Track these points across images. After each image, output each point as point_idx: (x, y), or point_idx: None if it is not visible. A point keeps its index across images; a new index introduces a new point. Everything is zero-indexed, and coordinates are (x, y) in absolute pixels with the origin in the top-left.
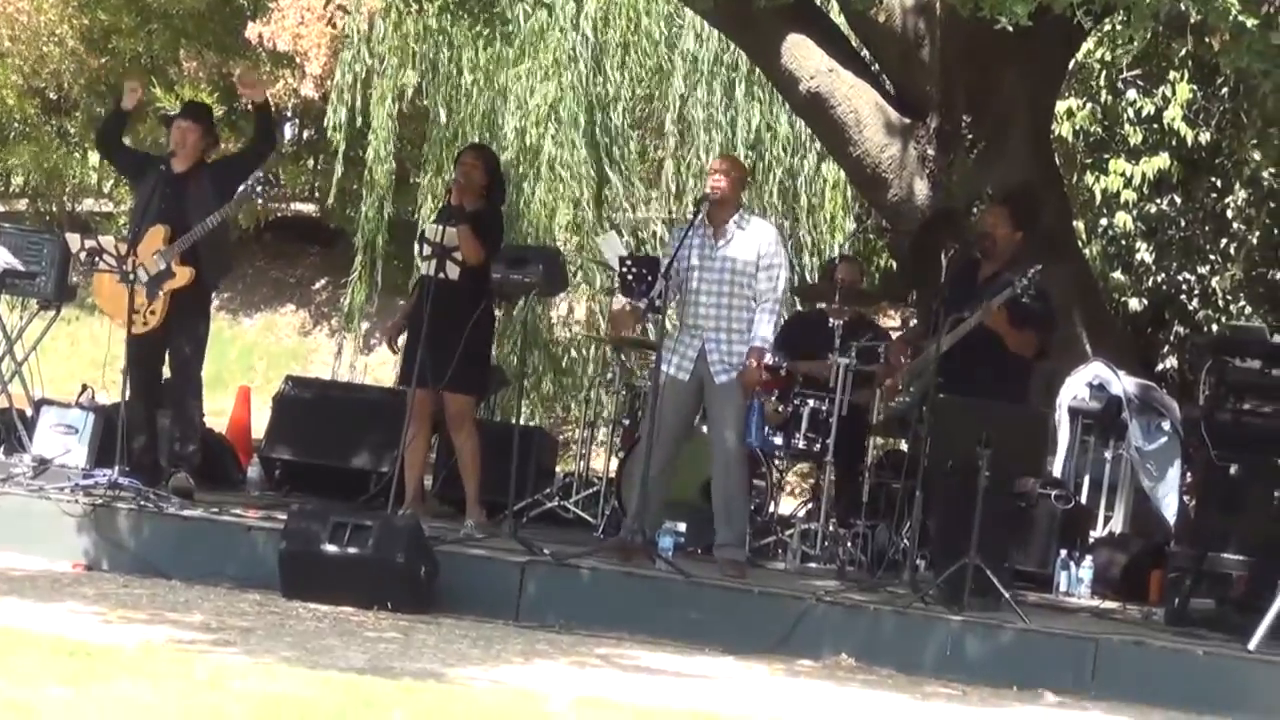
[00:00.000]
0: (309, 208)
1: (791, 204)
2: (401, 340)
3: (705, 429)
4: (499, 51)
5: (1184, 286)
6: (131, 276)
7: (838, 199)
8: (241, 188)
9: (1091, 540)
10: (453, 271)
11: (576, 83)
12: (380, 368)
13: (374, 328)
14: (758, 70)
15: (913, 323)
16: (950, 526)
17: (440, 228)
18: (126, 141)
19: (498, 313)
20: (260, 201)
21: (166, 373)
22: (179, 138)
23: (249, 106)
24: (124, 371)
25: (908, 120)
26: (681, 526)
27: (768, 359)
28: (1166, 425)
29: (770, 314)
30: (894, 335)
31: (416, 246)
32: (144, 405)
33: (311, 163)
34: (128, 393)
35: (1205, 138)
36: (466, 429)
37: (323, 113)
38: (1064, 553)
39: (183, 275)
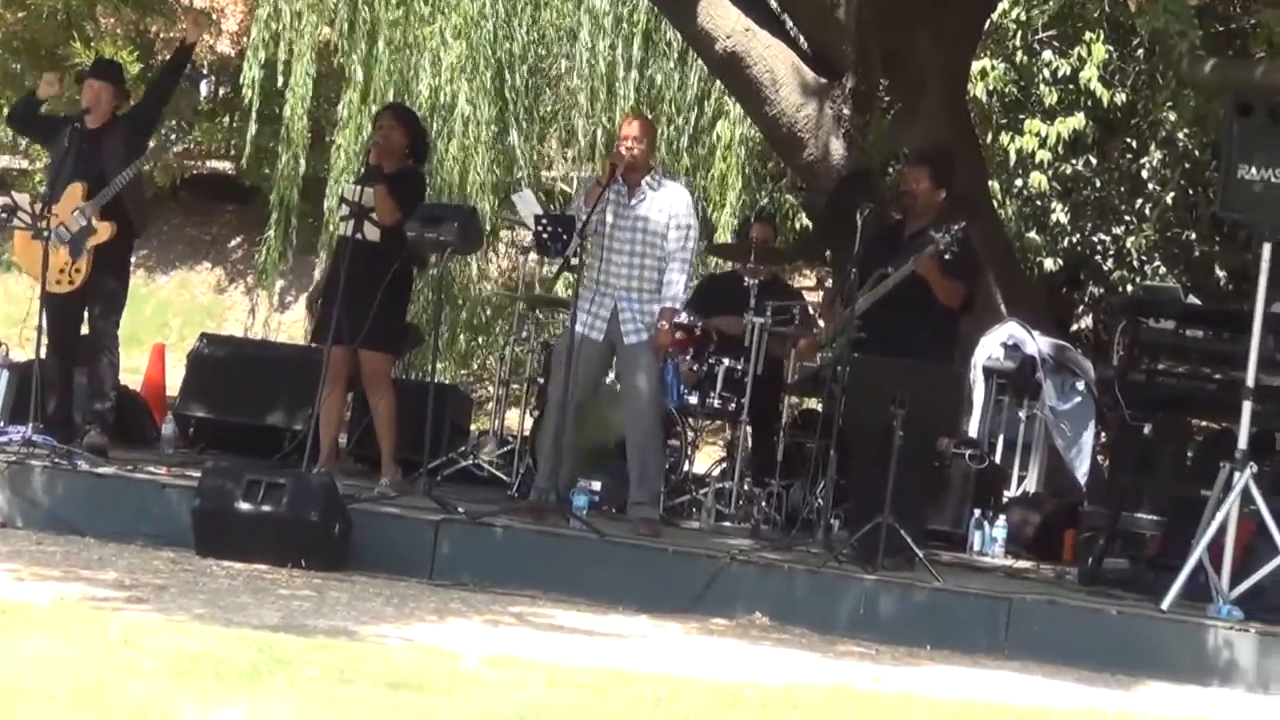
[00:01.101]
0: (224, 165)
1: (686, 162)
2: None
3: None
4: (411, 8)
5: (1099, 247)
6: (47, 234)
7: (731, 159)
8: (153, 143)
9: (1005, 500)
10: (371, 232)
11: (487, 41)
12: (294, 325)
13: (289, 286)
14: (664, 27)
15: (828, 282)
16: (865, 486)
17: (359, 188)
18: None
19: (414, 272)
20: (172, 152)
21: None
22: (91, 96)
23: (181, 42)
24: (39, 329)
25: (824, 80)
26: (596, 485)
27: (682, 318)
28: (1081, 385)
29: (680, 274)
30: (807, 295)
31: (335, 206)
32: (60, 363)
33: (227, 120)
34: (44, 350)
35: (1121, 98)
36: (382, 388)
37: (239, 70)
38: (978, 512)
39: (104, 230)
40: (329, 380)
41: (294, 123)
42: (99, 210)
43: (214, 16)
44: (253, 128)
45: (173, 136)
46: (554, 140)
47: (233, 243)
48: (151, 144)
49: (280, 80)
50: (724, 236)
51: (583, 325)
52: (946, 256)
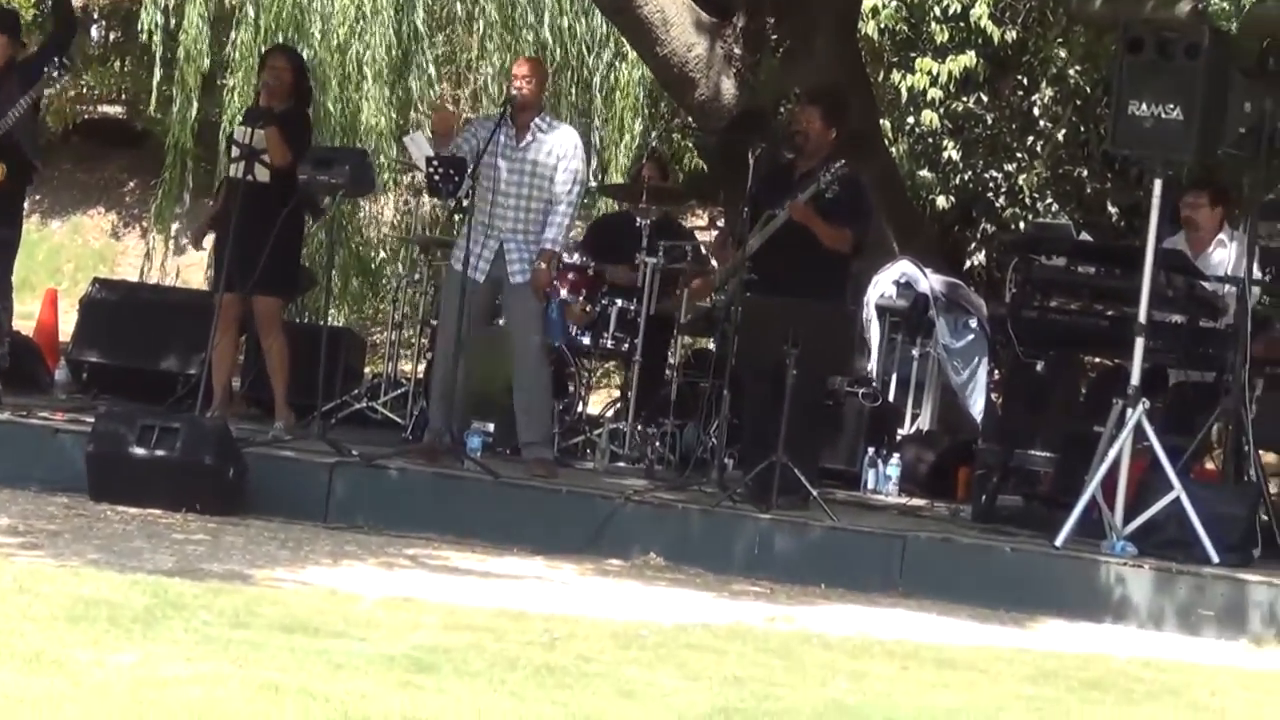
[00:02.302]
0: (116, 110)
1: (586, 104)
2: (209, 241)
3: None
4: None
5: (991, 184)
6: None
7: (628, 100)
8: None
9: (899, 438)
10: (261, 174)
11: None
12: (190, 269)
13: (184, 229)
14: None
15: (720, 222)
16: (758, 425)
17: (248, 130)
18: None
19: (305, 216)
20: (57, 87)
21: None
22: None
23: None
24: None
25: (714, 20)
26: (490, 426)
27: (574, 259)
28: (973, 323)
29: (563, 216)
30: (699, 236)
31: (224, 148)
32: None
33: (119, 65)
34: None
35: (1011, 36)
36: (274, 331)
37: (129, 14)
38: (871, 451)
39: None
40: (221, 324)
41: (187, 65)
42: None
43: None
44: (158, 73)
45: (55, 72)
46: (449, 84)
47: (126, 188)
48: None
49: (173, 23)
50: (619, 177)
51: (468, 267)
52: (828, 195)
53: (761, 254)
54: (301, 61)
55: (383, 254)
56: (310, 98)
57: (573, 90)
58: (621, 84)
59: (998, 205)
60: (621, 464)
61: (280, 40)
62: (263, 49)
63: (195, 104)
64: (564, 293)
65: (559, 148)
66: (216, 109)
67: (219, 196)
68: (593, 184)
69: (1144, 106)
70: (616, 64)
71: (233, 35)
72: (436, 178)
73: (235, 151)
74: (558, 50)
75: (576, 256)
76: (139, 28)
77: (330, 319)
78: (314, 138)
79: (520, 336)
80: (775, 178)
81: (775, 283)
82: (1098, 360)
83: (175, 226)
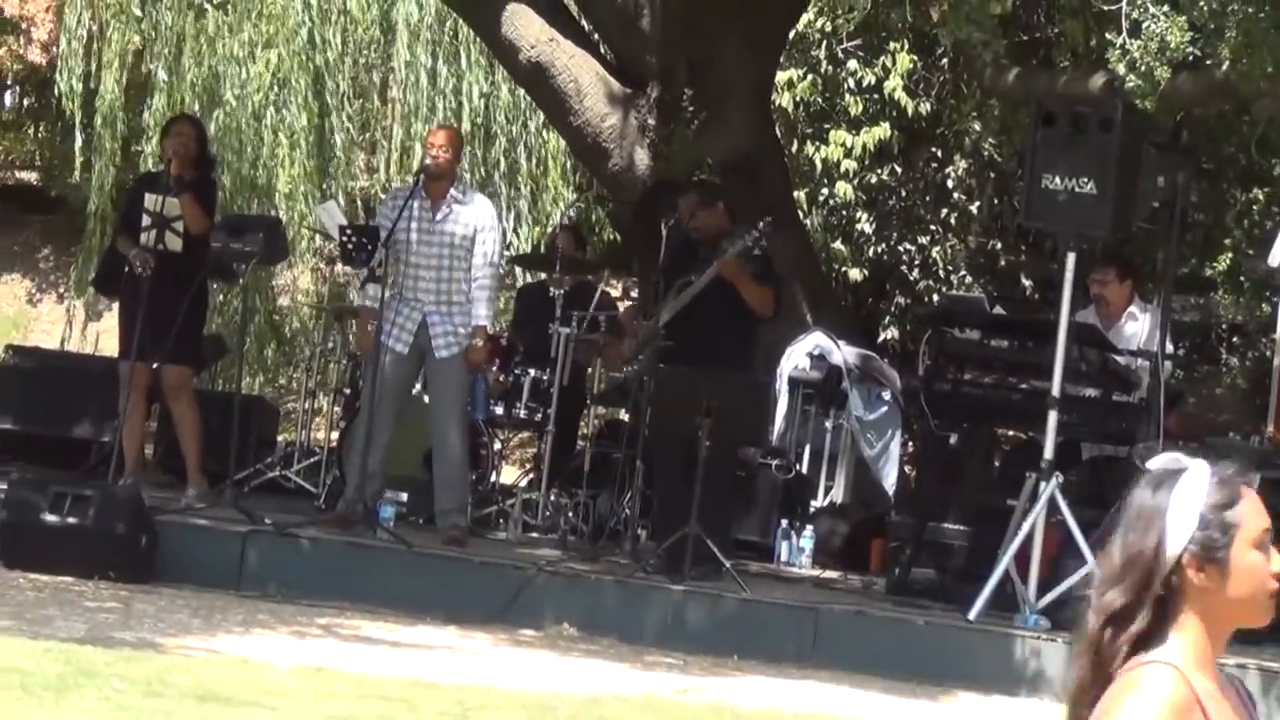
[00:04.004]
0: (30, 176)
1: (513, 174)
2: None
3: (426, 399)
4: (217, 18)
5: (905, 257)
6: None
7: (557, 169)
8: None
9: (812, 510)
10: (173, 242)
11: (299, 49)
12: (109, 334)
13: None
14: (479, 37)
15: (634, 292)
16: (671, 496)
17: (158, 198)
18: None
19: (214, 285)
20: None
21: None
22: None
23: None
24: None
25: (628, 90)
26: (403, 496)
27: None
28: (887, 395)
29: (487, 289)
30: (618, 304)
31: (119, 214)
32: None
33: (33, 131)
34: None
35: (926, 108)
36: (184, 399)
37: (46, 80)
38: (785, 522)
39: None
40: (131, 392)
41: (104, 132)
42: None
43: (24, 25)
44: (79, 138)
45: None
46: (366, 151)
47: (41, 254)
48: None
49: (90, 88)
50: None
51: (389, 338)
52: (756, 251)
53: (675, 323)
54: (204, 129)
55: (296, 322)
56: (214, 164)
57: (501, 159)
58: (550, 152)
59: (911, 278)
60: (535, 534)
61: (196, 107)
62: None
63: (113, 170)
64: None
65: (476, 219)
66: (133, 175)
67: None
68: (507, 253)
69: (1057, 180)
70: (544, 133)
71: (149, 101)
72: (350, 246)
73: (146, 220)
74: (487, 118)
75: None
76: (54, 93)
77: (244, 387)
78: (230, 205)
79: (442, 408)
80: (684, 249)
81: (689, 352)
82: (1011, 433)
83: (91, 292)
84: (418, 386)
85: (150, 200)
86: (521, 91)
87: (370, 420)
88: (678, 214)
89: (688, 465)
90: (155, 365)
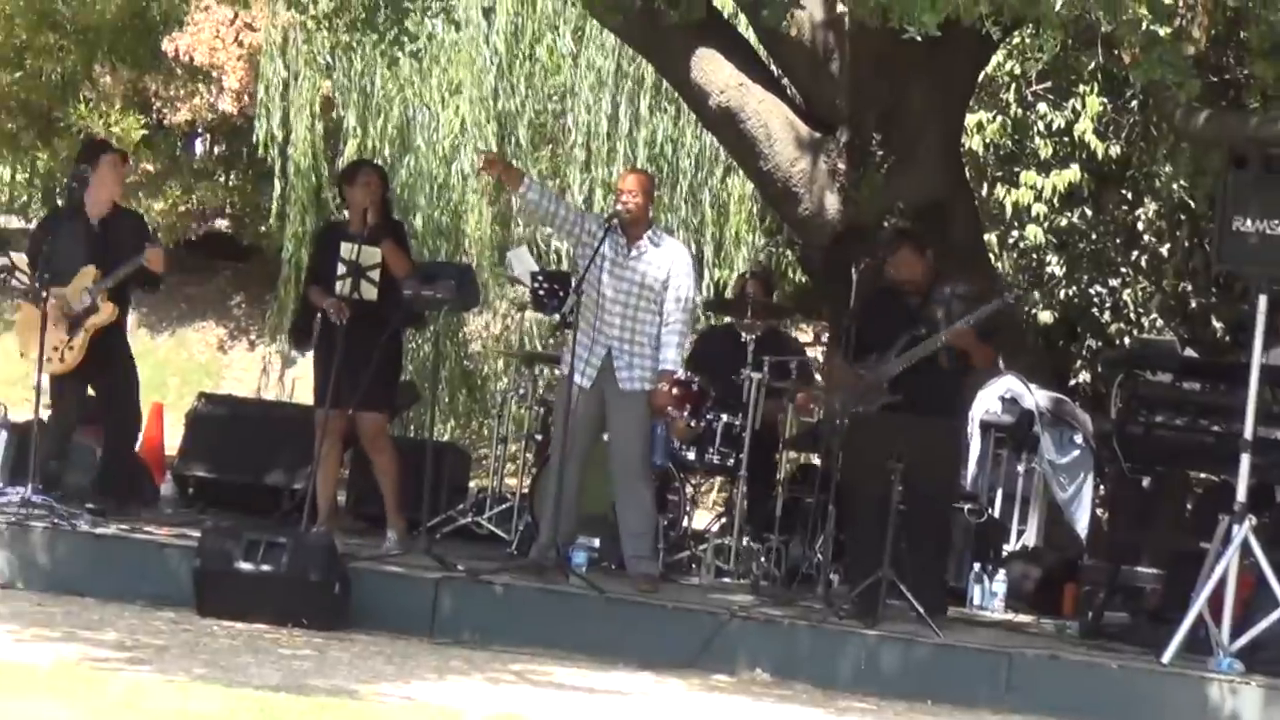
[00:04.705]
0: (222, 223)
1: (697, 219)
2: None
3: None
4: (408, 64)
5: (1096, 300)
6: (45, 295)
7: (742, 214)
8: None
9: (1005, 554)
10: (368, 291)
11: (486, 95)
12: (305, 380)
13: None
14: (663, 83)
15: (824, 336)
16: (867, 540)
17: (355, 247)
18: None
19: (410, 331)
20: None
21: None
22: (111, 180)
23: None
24: (36, 388)
25: (818, 134)
26: (595, 542)
27: (679, 374)
28: (1079, 438)
29: (678, 335)
30: (806, 349)
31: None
32: (63, 425)
33: (224, 179)
34: (52, 413)
35: (1115, 150)
36: (382, 446)
37: (234, 129)
38: (977, 566)
39: (107, 310)
40: (325, 439)
41: (297, 180)
42: (105, 292)
43: (215, 74)
44: (278, 186)
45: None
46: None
47: (233, 301)
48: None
49: (283, 136)
50: (728, 293)
51: (576, 374)
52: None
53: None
54: (385, 174)
55: (487, 368)
56: (394, 208)
57: (683, 205)
58: (735, 198)
59: (1102, 321)
60: (727, 579)
61: (387, 153)
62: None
63: (309, 217)
64: (670, 409)
65: (669, 262)
66: (320, 221)
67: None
68: (699, 299)
69: (1249, 222)
70: (728, 179)
71: (341, 148)
72: (541, 293)
73: (341, 269)
74: (663, 163)
75: (681, 371)
76: (246, 141)
77: (436, 433)
78: (420, 252)
79: (623, 446)
80: (886, 299)
81: (905, 405)
82: (1204, 476)
83: (281, 338)
84: (606, 436)
85: (345, 249)
86: (706, 136)
87: (562, 462)
88: (882, 262)
89: (881, 510)
90: (351, 412)
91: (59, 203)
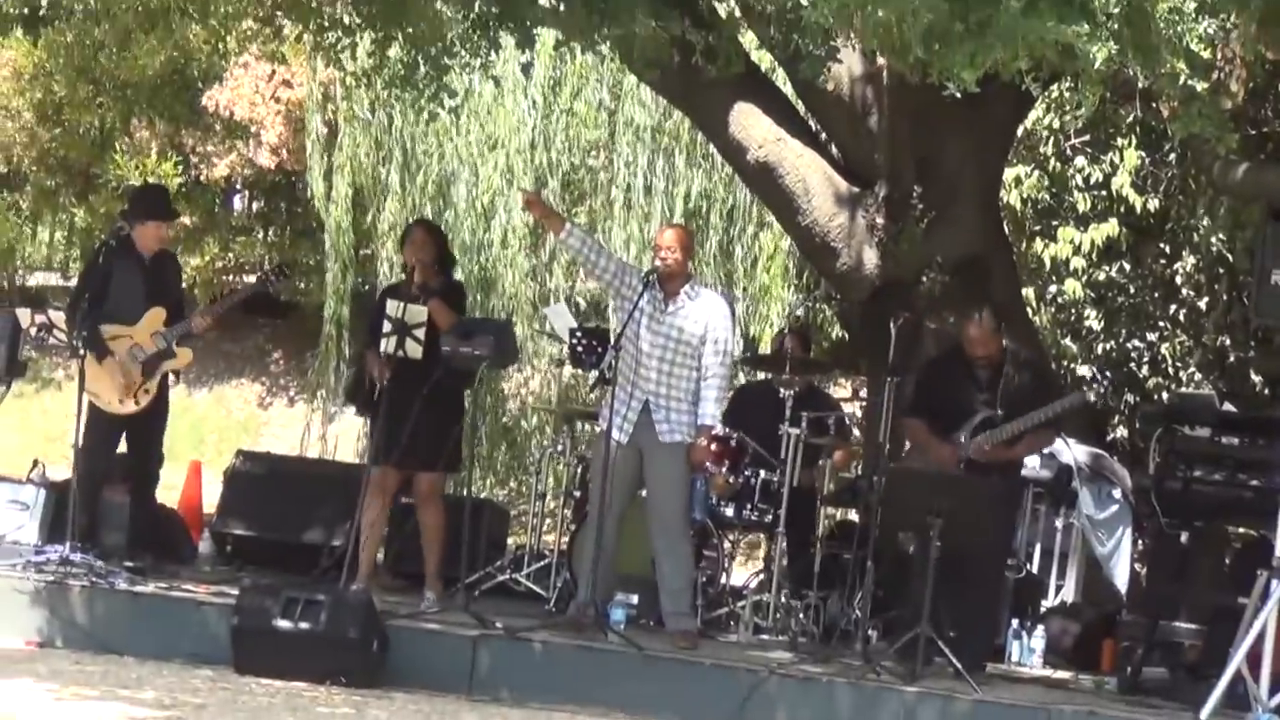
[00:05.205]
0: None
1: (728, 274)
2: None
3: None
4: (447, 120)
5: (1134, 354)
6: (81, 353)
7: (775, 269)
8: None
9: (1043, 609)
10: (413, 350)
11: (524, 148)
12: (346, 437)
13: (334, 395)
14: (698, 137)
15: (863, 392)
16: (908, 596)
17: (401, 304)
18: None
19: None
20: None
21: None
22: (157, 237)
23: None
24: (75, 447)
25: (856, 189)
26: (634, 599)
27: (718, 430)
28: (1117, 493)
29: (718, 390)
30: (843, 405)
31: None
32: (96, 480)
33: (263, 235)
34: (86, 468)
35: (1154, 204)
36: (435, 505)
37: (272, 185)
38: (1016, 622)
39: (184, 357)
40: (374, 496)
41: (338, 236)
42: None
43: (254, 129)
44: (327, 241)
45: (271, 279)
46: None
47: (272, 357)
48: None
49: (323, 192)
50: (766, 348)
51: (613, 429)
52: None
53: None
54: (442, 232)
55: (526, 424)
56: (455, 265)
57: (715, 258)
58: (767, 253)
59: (1140, 375)
60: (765, 636)
61: (428, 209)
62: (409, 219)
63: (350, 273)
64: (708, 464)
65: (707, 316)
66: (363, 279)
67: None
68: (737, 354)
69: None
70: (761, 233)
71: (381, 204)
72: (580, 349)
73: (387, 326)
74: (698, 218)
75: (719, 427)
76: (284, 197)
77: (475, 490)
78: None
79: (661, 500)
80: (958, 371)
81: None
82: (1242, 530)
83: (322, 394)
84: (643, 492)
85: (392, 307)
86: (740, 191)
87: (601, 519)
88: (921, 318)
89: (921, 566)
90: (403, 470)
91: (110, 242)
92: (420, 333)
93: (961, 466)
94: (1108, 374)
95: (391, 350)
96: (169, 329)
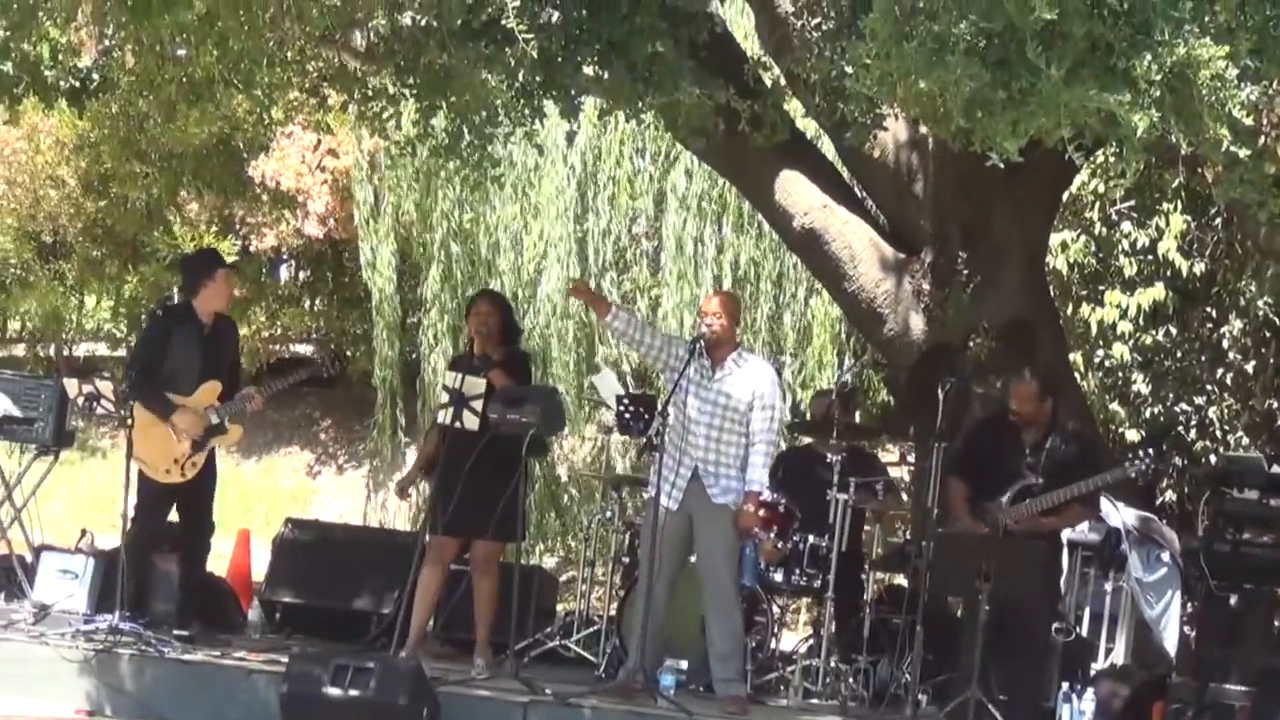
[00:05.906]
0: (306, 348)
1: (775, 340)
2: (424, 484)
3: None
4: (491, 188)
5: (1181, 418)
6: (130, 421)
7: (824, 335)
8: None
9: (1093, 672)
10: (470, 421)
11: (567, 216)
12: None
13: (387, 465)
14: (745, 205)
15: (910, 457)
16: (958, 659)
17: (459, 376)
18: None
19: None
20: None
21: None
22: (221, 298)
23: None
24: (124, 515)
25: (902, 255)
26: (683, 664)
27: (765, 496)
28: (1166, 556)
29: (765, 456)
30: (890, 469)
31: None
32: (144, 549)
33: (309, 304)
34: (135, 535)
35: (1200, 268)
36: (491, 572)
37: (319, 254)
38: (1066, 685)
39: (235, 433)
40: (431, 564)
41: (384, 305)
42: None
43: (300, 199)
44: (386, 309)
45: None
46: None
47: (320, 426)
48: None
49: (364, 261)
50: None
51: (662, 495)
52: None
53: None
54: (507, 303)
55: (575, 491)
56: (520, 336)
57: (763, 326)
58: (818, 320)
59: (1189, 438)
60: (815, 700)
61: (473, 279)
62: (455, 288)
63: (398, 341)
64: (757, 530)
65: (754, 383)
66: (408, 348)
67: (428, 440)
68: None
69: None
70: (811, 299)
71: (426, 274)
72: (627, 416)
73: (444, 397)
74: (747, 286)
75: (767, 493)
76: (330, 266)
77: (523, 556)
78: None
79: (711, 563)
80: (1005, 434)
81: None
82: None
83: (375, 462)
84: (693, 558)
85: (450, 378)
86: (788, 258)
87: (650, 585)
88: (954, 378)
89: (970, 629)
90: (459, 536)
91: (160, 310)
92: (478, 404)
93: (1002, 534)
94: (1150, 450)
95: (448, 421)
96: (222, 405)
